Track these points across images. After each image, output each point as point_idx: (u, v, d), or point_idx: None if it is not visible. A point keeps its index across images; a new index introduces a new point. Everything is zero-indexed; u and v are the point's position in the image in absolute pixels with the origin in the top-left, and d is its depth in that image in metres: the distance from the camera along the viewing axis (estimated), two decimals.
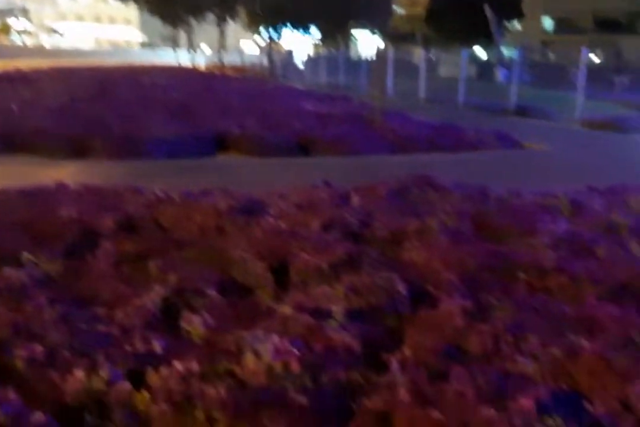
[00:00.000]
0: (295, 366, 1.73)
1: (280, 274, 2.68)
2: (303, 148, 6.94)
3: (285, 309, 2.16)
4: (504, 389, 1.71)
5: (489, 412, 1.52)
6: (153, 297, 2.24)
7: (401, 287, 2.52)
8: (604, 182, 4.54)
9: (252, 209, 3.63)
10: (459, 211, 3.65)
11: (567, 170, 6.16)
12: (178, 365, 1.69)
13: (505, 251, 3.00)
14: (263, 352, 1.76)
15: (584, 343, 2.02)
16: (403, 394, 1.64)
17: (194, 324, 2.03)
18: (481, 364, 1.90)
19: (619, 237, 3.28)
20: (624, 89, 17.25)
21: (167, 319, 2.15)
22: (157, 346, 1.84)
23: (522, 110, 11.26)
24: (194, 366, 1.68)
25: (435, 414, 1.52)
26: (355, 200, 3.87)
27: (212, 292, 2.34)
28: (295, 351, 1.75)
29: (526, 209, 3.80)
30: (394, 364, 1.85)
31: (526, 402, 1.53)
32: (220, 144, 6.95)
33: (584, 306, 2.39)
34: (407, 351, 2.01)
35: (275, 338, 1.83)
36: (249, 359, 1.74)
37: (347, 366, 1.85)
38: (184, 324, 2.06)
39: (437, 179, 4.45)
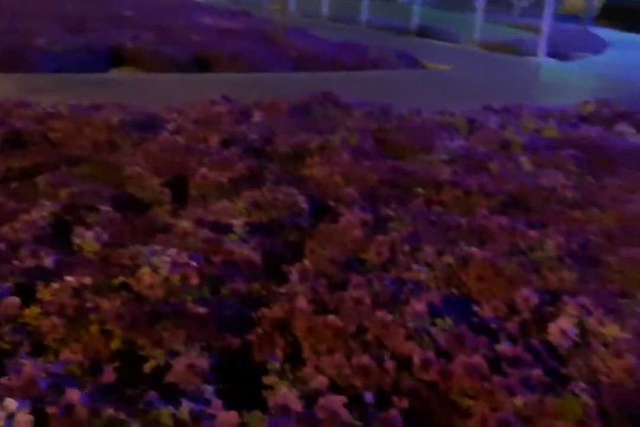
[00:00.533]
0: (194, 279, 1.70)
1: (179, 190, 2.62)
2: (202, 64, 6.68)
3: (184, 224, 2.12)
4: (399, 295, 1.76)
5: (384, 316, 1.56)
6: (43, 212, 2.14)
7: (302, 202, 2.52)
8: (499, 102, 4.65)
9: (148, 124, 3.48)
10: (361, 128, 3.65)
11: (465, 90, 6.26)
12: (70, 279, 1.63)
13: (404, 167, 3.05)
14: (160, 266, 1.72)
15: (475, 251, 2.10)
16: (302, 302, 1.66)
17: (87, 239, 1.96)
18: (379, 273, 1.94)
19: (511, 153, 3.40)
20: (523, 12, 17.52)
21: (58, 235, 2.06)
22: (48, 261, 1.76)
23: (423, 31, 11.31)
24: (87, 280, 1.62)
25: (333, 320, 1.55)
26: (257, 116, 3.79)
27: (106, 208, 2.25)
28: (193, 263, 1.72)
29: (425, 127, 3.85)
30: (294, 275, 1.87)
31: (419, 306, 1.58)
32: (115, 58, 6.57)
33: (476, 217, 2.47)
34: (307, 262, 2.03)
35: (173, 252, 1.79)
36: (146, 273, 1.70)
37: (247, 278, 1.85)
38: (76, 240, 1.98)
39: (339, 97, 4.41)
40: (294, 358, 1.51)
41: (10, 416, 1.09)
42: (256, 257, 1.93)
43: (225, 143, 3.23)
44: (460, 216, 2.50)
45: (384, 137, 3.63)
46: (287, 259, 2.08)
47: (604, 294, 1.84)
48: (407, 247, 2.14)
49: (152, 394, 1.25)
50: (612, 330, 1.61)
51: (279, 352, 1.49)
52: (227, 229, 2.14)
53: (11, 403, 1.11)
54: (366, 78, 6.80)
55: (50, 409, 1.15)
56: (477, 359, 1.39)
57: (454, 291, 1.96)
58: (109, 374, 1.31)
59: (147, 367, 1.41)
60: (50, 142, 3.24)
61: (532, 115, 4.07)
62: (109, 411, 1.16)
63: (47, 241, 1.95)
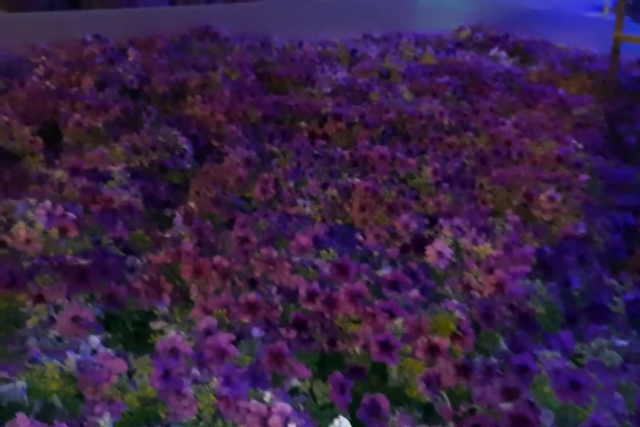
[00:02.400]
0: (72, 231, 1.66)
1: (51, 139, 2.50)
2: (69, 0, 6.24)
3: (59, 174, 2.04)
4: (285, 231, 1.79)
5: (269, 252, 1.59)
6: None
7: (184, 143, 2.47)
8: (380, 30, 4.65)
9: (13, 69, 3.27)
10: (242, 63, 3.58)
11: (346, 20, 6.21)
12: None
13: (287, 101, 3.03)
14: (36, 219, 1.66)
15: (357, 182, 2.15)
16: (188, 246, 1.66)
17: None
18: (264, 211, 1.96)
19: (391, 82, 3.44)
20: None
21: None
22: None
23: None
24: None
25: (219, 261, 1.56)
26: (132, 55, 3.62)
27: None
28: (71, 215, 1.67)
29: (307, 59, 3.81)
30: (178, 218, 1.85)
31: (304, 240, 1.62)
32: None
33: (358, 148, 2.52)
34: (192, 205, 2.01)
35: (48, 204, 1.73)
36: (21, 228, 1.64)
37: (129, 226, 1.82)
38: None
39: (218, 30, 4.28)
40: (182, 301, 1.52)
41: None
42: (137, 203, 1.90)
43: (100, 85, 3.09)
44: (343, 148, 2.54)
45: (265, 71, 3.57)
46: (171, 203, 2.06)
47: (477, 215, 1.94)
48: (291, 183, 2.16)
49: (35, 350, 1.23)
50: (484, 249, 1.71)
51: (166, 297, 1.49)
52: (105, 176, 2.08)
53: None
54: (245, 9, 6.59)
55: None
56: (359, 286, 1.45)
57: (339, 222, 2.02)
58: None
59: (30, 323, 1.39)
60: None
61: (410, 42, 4.10)
62: None
63: None
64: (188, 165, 2.39)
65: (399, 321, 1.38)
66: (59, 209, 1.67)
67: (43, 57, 3.52)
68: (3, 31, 5.08)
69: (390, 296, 1.48)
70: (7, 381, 1.14)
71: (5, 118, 2.55)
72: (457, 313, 1.38)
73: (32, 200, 1.79)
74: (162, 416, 1.17)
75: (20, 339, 1.32)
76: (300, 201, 2.04)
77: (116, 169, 2.12)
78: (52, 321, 1.37)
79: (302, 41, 4.29)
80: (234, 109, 2.93)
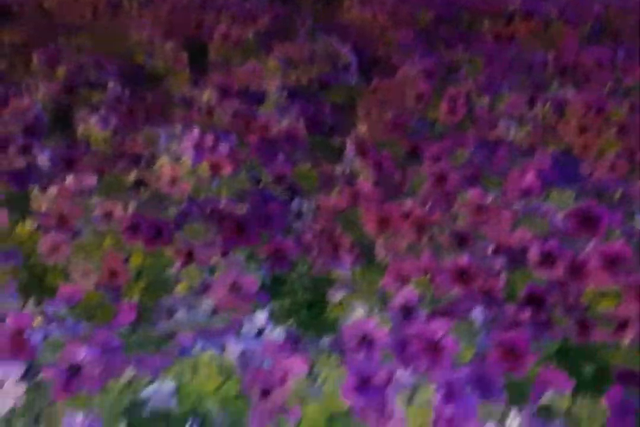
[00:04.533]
0: (226, 167, 1.33)
1: (196, 55, 2.18)
2: None
3: (206, 96, 1.71)
4: (490, 164, 1.37)
5: (478, 194, 1.19)
6: (36, 95, 1.76)
7: (346, 54, 2.06)
8: None
9: None
10: None
11: None
12: (70, 181, 1.29)
13: None
14: (182, 153, 1.35)
15: (573, 95, 1.66)
16: (365, 185, 1.29)
17: (92, 125, 1.59)
18: (456, 136, 1.54)
19: None
20: None
21: (57, 123, 1.69)
22: (43, 159, 1.41)
23: None
24: (90, 179, 1.28)
25: (411, 206, 1.18)
26: None
27: (112, 84, 1.85)
28: (224, 147, 1.34)
29: None
30: (349, 148, 1.48)
31: (527, 177, 1.19)
32: None
33: (562, 51, 1.99)
34: (362, 130, 1.63)
35: (196, 133, 1.41)
36: (165, 164, 1.34)
37: (292, 159, 1.47)
38: (79, 127, 1.61)
39: None
40: (364, 261, 1.17)
41: None
42: (300, 129, 1.54)
43: None
44: (543, 51, 2.02)
45: None
46: (337, 129, 1.68)
47: None
48: (486, 99, 1.70)
49: (185, 336, 0.94)
50: None
51: (345, 257, 1.14)
52: (259, 97, 1.73)
53: None
54: None
55: None
56: (619, 245, 1.02)
57: (553, 148, 1.55)
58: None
59: (179, 289, 1.10)
60: (44, 11, 2.79)
61: None
62: None
63: (40, 129, 1.59)
64: (353, 81, 1.98)
65: None
66: (209, 139, 1.34)
67: None
68: None
69: None
70: (150, 381, 0.85)
71: (145, 33, 2.25)
72: None
73: (177, 129, 1.48)
74: None
75: (167, 311, 1.04)
76: (502, 122, 1.59)
77: (271, 87, 1.76)
78: (205, 287, 1.07)
79: None
80: (400, 11, 2.46)
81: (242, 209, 1.21)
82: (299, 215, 1.31)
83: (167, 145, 1.38)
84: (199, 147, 1.33)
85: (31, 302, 0.95)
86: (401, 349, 0.91)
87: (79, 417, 0.79)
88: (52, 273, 1.21)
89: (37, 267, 1.20)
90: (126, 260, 1.17)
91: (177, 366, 0.87)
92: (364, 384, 0.83)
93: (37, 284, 1.19)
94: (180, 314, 1.04)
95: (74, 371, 0.82)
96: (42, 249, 1.18)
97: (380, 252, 1.15)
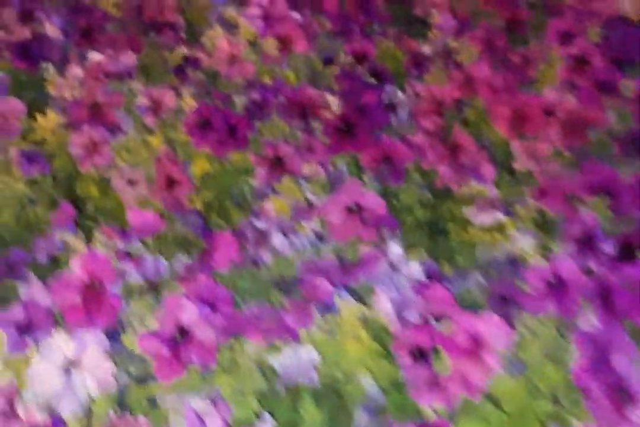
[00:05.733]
0: (299, 42, 1.02)
1: None
2: None
3: None
4: None
5: None
6: None
7: None
8: None
9: None
10: None
11: None
12: (98, 58, 0.97)
13: None
14: (245, 21, 1.03)
15: None
16: (482, 68, 1.01)
17: None
18: None
19: None
20: None
21: None
22: (52, 28, 1.07)
23: None
24: (126, 57, 0.96)
25: (547, 95, 0.91)
26: None
27: None
28: (296, 14, 1.02)
29: None
30: (442, 19, 1.17)
31: None
32: None
33: None
34: None
35: None
36: (219, 36, 1.02)
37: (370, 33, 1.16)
38: None
39: None
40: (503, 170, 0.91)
41: None
42: None
43: None
44: None
45: None
46: None
47: None
48: None
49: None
50: None
51: (484, 164, 0.88)
52: None
53: None
54: None
55: None
56: None
57: None
58: None
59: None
60: None
61: None
62: None
63: None
64: None
65: None
66: (280, 5, 1.01)
67: None
68: None
69: None
70: (279, 347, 0.61)
71: None
72: None
73: None
74: None
75: (256, 240, 0.78)
76: None
77: None
78: (307, 208, 0.81)
79: None
80: None
81: (333, 102, 0.92)
82: (391, 107, 1.03)
83: (222, 13, 1.05)
84: (267, 16, 1.00)
85: (81, 235, 0.69)
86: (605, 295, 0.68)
87: (197, 401, 0.56)
88: (85, 183, 0.92)
89: (66, 175, 0.92)
90: (186, 166, 0.89)
91: (313, 326, 0.63)
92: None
93: (67, 198, 0.91)
94: (277, 243, 0.78)
95: (180, 337, 0.58)
96: (74, 151, 0.89)
97: (520, 159, 0.89)
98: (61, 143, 0.91)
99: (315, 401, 0.61)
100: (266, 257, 0.74)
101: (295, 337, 0.59)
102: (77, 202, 0.95)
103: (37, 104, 0.94)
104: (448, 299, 0.64)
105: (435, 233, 0.86)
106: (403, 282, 0.71)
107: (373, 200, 0.77)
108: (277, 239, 0.78)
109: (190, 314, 0.56)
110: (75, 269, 0.59)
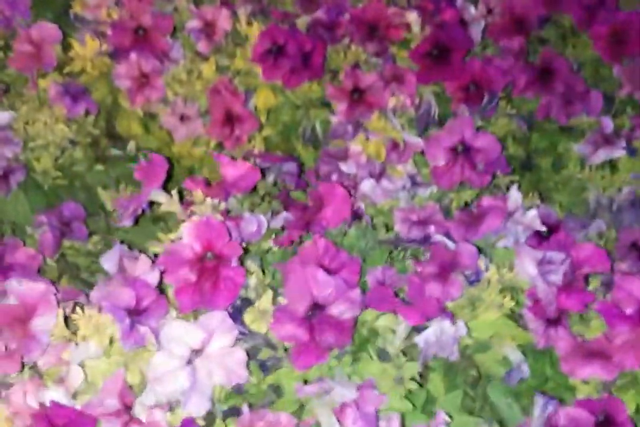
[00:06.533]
0: None
1: None
2: None
3: None
4: None
5: None
6: None
7: None
8: None
9: None
10: None
11: None
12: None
13: None
14: None
15: None
16: None
17: None
18: None
19: None
20: None
21: None
22: None
23: None
24: None
25: None
26: None
27: None
28: None
29: None
30: None
31: None
32: None
33: None
34: None
35: None
36: None
37: None
38: None
39: None
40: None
41: None
42: None
43: None
44: None
45: None
46: None
47: None
48: None
49: None
50: None
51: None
52: None
53: None
54: None
55: None
56: None
57: None
58: None
59: None
60: None
61: None
62: None
63: None
64: None
65: None
66: None
67: None
68: None
69: None
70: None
71: None
72: None
73: None
74: None
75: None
76: None
77: None
78: (403, 148, 0.70)
79: None
80: None
81: (414, 21, 0.80)
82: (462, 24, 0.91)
83: None
84: None
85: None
86: None
87: (349, 390, 0.47)
88: (127, 120, 0.81)
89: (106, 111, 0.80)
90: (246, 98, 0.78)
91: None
92: None
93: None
94: (367, 188, 0.69)
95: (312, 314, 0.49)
96: (120, 83, 0.77)
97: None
98: (101, 74, 0.78)
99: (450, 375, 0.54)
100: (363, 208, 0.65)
101: (449, 316, 0.51)
102: (117, 141, 0.84)
103: (66, 28, 0.80)
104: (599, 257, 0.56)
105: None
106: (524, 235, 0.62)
107: (484, 140, 0.67)
108: (365, 187, 0.68)
109: (322, 287, 0.47)
110: (186, 237, 0.48)
